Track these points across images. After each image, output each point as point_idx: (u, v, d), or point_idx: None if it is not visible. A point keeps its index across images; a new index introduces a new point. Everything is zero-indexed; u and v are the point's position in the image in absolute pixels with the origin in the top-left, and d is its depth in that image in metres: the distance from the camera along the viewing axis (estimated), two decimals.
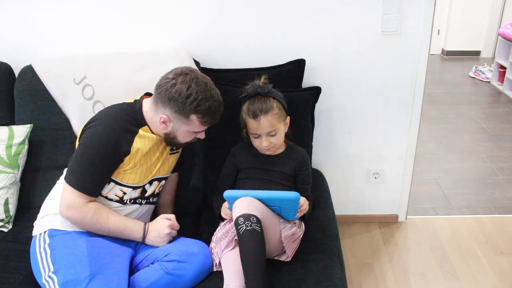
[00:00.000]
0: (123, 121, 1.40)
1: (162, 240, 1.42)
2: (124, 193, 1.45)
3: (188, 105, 1.35)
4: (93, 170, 1.36)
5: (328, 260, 1.41)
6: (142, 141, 1.43)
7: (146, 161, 1.46)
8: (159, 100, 1.39)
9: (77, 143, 1.46)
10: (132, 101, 1.50)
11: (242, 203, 1.31)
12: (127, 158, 1.40)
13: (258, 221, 1.27)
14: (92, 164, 1.36)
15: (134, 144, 1.41)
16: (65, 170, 1.53)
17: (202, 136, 1.48)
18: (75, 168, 1.37)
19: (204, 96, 1.35)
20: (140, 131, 1.43)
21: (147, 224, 1.44)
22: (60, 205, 1.37)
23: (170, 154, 1.56)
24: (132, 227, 1.41)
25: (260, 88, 1.47)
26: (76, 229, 1.40)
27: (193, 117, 1.37)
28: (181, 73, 1.37)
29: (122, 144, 1.38)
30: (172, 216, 1.47)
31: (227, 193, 1.37)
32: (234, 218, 1.29)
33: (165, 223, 1.43)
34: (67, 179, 1.37)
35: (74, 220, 1.37)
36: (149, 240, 1.42)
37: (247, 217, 1.26)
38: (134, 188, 1.46)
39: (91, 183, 1.37)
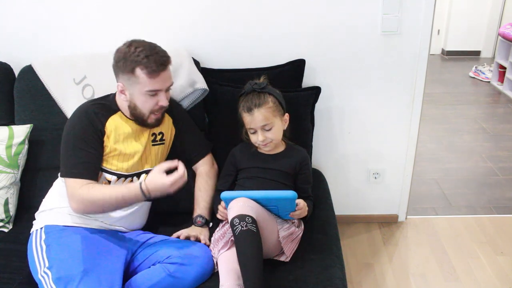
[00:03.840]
0: (93, 107, 1.47)
1: (171, 192, 1.33)
2: (109, 182, 1.46)
3: (129, 58, 1.38)
4: (79, 153, 1.40)
5: (328, 260, 1.41)
6: (116, 123, 1.47)
7: (125, 148, 1.47)
8: (114, 73, 1.45)
9: None
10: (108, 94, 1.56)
11: (236, 204, 1.31)
12: (105, 139, 1.45)
13: (254, 221, 1.27)
14: (75, 147, 1.41)
15: (107, 124, 1.46)
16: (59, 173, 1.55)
17: (163, 101, 1.44)
18: (63, 159, 1.43)
19: (143, 48, 1.39)
20: (114, 116, 1.48)
21: (143, 187, 1.34)
22: (69, 204, 1.40)
23: (153, 145, 1.56)
24: (131, 196, 1.36)
25: (255, 85, 1.49)
26: (72, 225, 1.41)
27: (138, 71, 1.38)
28: (126, 41, 1.44)
29: (97, 123, 1.44)
30: (168, 165, 1.34)
31: (224, 194, 1.37)
32: (229, 219, 1.30)
33: (165, 182, 1.30)
34: (61, 173, 1.42)
35: (82, 210, 1.39)
36: (157, 197, 1.36)
37: (242, 217, 1.26)
38: (119, 176, 1.47)
39: (79, 166, 1.40)
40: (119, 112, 1.49)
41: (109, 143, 1.45)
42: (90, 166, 1.42)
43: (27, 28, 1.84)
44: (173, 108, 1.61)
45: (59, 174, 1.53)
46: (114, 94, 1.52)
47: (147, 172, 1.54)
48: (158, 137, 1.57)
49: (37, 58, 1.79)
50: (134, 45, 1.40)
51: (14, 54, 1.85)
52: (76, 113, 1.47)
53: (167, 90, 1.47)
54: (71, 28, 1.85)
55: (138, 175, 1.52)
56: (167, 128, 1.61)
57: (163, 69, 1.41)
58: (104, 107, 1.48)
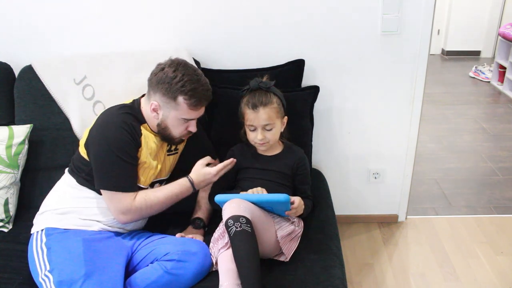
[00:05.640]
0: (126, 118, 1.43)
1: (215, 180, 1.49)
2: None
3: (174, 85, 1.38)
4: (122, 166, 1.39)
5: (328, 260, 1.41)
6: (145, 137, 1.46)
7: (152, 161, 1.47)
8: (150, 87, 1.44)
9: (81, 146, 1.47)
10: (130, 101, 1.52)
11: (230, 205, 1.32)
12: (139, 150, 1.43)
13: (248, 221, 1.27)
14: (119, 161, 1.38)
15: (142, 137, 1.44)
16: (66, 170, 1.55)
17: (193, 128, 1.48)
18: (105, 173, 1.39)
19: (190, 78, 1.39)
20: (142, 128, 1.46)
21: (191, 179, 1.46)
22: (114, 215, 1.42)
23: (168, 155, 1.56)
24: (182, 192, 1.46)
25: (262, 83, 1.50)
26: (73, 227, 1.41)
27: (180, 99, 1.39)
28: (170, 60, 1.43)
29: (135, 135, 1.42)
30: (208, 160, 1.50)
31: (218, 198, 1.39)
32: (223, 221, 1.30)
33: (210, 172, 1.46)
34: (104, 187, 1.39)
35: (134, 220, 1.43)
36: (201, 188, 1.51)
37: (236, 218, 1.27)
38: (138, 189, 1.47)
39: (128, 180, 1.40)
40: (145, 124, 1.48)
41: (141, 155, 1.44)
42: (136, 179, 1.44)
43: (27, 28, 1.84)
44: None
45: (65, 176, 1.52)
46: (139, 103, 1.50)
47: (160, 182, 1.56)
48: (173, 147, 1.58)
49: (37, 58, 1.79)
50: (180, 71, 1.39)
51: (14, 54, 1.85)
52: (112, 122, 1.40)
53: None
54: (71, 28, 1.84)
55: (152, 185, 1.53)
56: None
57: (205, 104, 1.45)
58: (134, 118, 1.45)
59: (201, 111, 1.47)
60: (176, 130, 1.46)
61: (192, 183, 1.47)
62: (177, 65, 1.41)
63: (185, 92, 1.38)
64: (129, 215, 1.41)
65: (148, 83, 1.45)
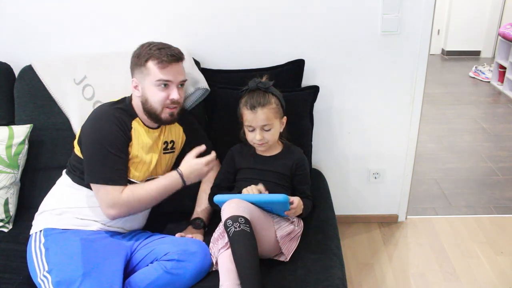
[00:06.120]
0: (116, 112, 1.44)
1: (205, 172, 1.47)
2: None
3: (142, 54, 1.42)
4: (111, 159, 1.39)
5: (328, 260, 1.41)
6: (137, 131, 1.47)
7: (145, 156, 1.47)
8: (131, 73, 1.48)
9: (75, 145, 1.48)
10: (120, 98, 1.54)
11: (229, 206, 1.32)
12: (130, 144, 1.44)
13: (247, 221, 1.27)
14: (107, 154, 1.38)
15: (132, 131, 1.45)
16: (63, 172, 1.55)
17: (174, 95, 1.44)
18: (93, 166, 1.40)
19: (156, 44, 1.44)
20: (133, 122, 1.47)
21: (180, 171, 1.45)
22: (102, 210, 1.40)
23: (164, 153, 1.56)
24: (171, 184, 1.44)
25: (261, 84, 1.50)
26: (71, 227, 1.41)
27: (150, 63, 1.41)
28: None
29: (125, 129, 1.42)
30: (197, 150, 1.48)
31: (217, 198, 1.39)
32: (222, 221, 1.30)
33: (200, 162, 1.45)
34: (92, 180, 1.39)
35: (123, 215, 1.41)
36: (192, 181, 1.47)
37: (235, 218, 1.27)
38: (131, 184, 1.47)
39: (115, 172, 1.40)
40: (137, 119, 1.48)
41: (132, 150, 1.45)
42: (125, 173, 1.43)
43: (27, 28, 1.84)
44: (183, 115, 1.61)
45: (63, 177, 1.53)
46: (130, 99, 1.51)
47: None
48: (170, 146, 1.58)
49: (37, 58, 1.79)
50: (149, 43, 1.45)
51: (14, 54, 1.85)
52: (102, 117, 1.43)
53: (180, 85, 1.48)
54: (71, 28, 1.85)
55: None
56: (178, 136, 1.62)
57: (174, 60, 1.43)
58: (125, 112, 1.46)
59: (175, 72, 1.43)
60: (155, 98, 1.43)
61: (181, 175, 1.44)
62: (147, 42, 1.46)
63: (152, 54, 1.41)
64: (117, 209, 1.39)
65: (130, 72, 1.48)
